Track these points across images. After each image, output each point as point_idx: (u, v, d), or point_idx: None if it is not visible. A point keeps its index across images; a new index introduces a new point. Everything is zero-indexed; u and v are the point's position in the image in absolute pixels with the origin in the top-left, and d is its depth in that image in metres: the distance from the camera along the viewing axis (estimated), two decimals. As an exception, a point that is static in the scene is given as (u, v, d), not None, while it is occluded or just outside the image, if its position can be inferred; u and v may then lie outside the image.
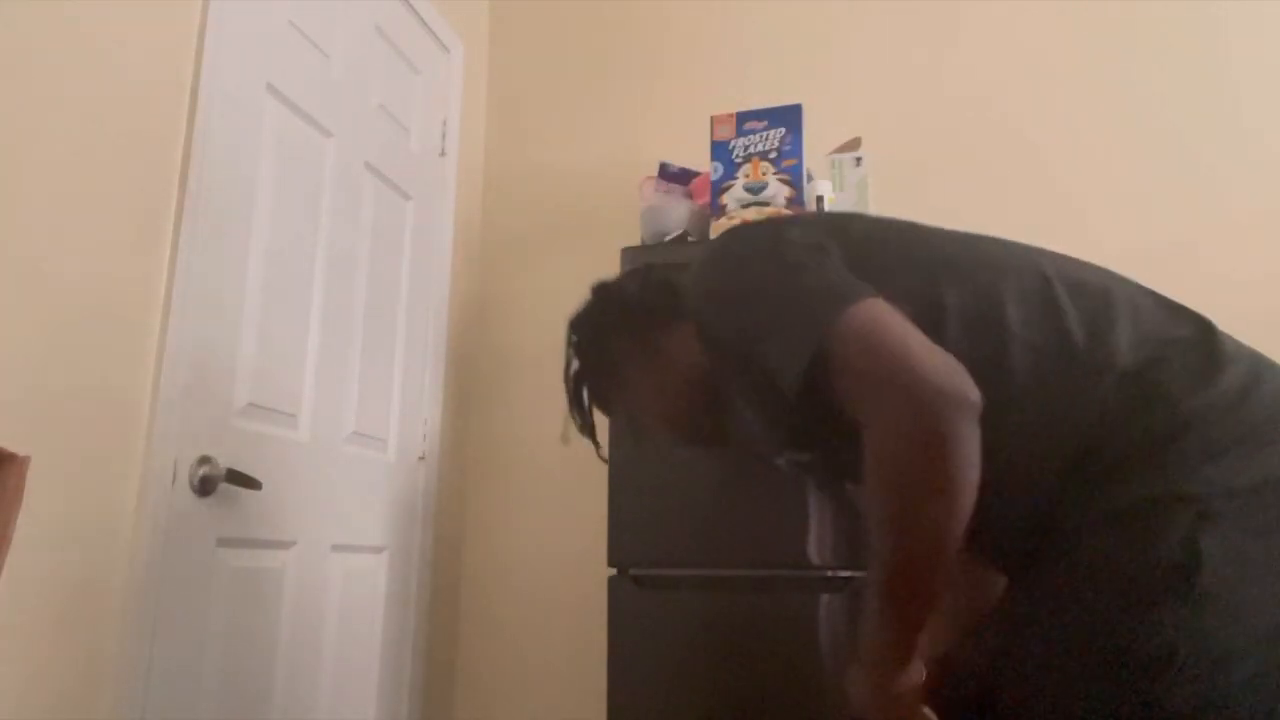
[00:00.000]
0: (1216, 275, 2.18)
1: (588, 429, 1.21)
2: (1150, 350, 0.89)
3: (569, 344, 1.20)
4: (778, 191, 2.09)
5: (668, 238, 2.24)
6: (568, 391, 1.20)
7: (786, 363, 0.86)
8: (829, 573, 1.86)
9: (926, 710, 0.92)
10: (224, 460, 1.65)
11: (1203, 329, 0.93)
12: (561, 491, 2.52)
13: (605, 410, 1.22)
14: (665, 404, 1.15)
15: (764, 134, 2.12)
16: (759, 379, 0.93)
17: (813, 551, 1.87)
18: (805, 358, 0.84)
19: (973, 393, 0.80)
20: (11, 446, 1.00)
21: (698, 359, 1.07)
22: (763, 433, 1.08)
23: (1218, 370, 0.87)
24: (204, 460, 1.62)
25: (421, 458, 2.36)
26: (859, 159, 2.19)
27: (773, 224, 1.09)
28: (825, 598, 1.85)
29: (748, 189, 2.10)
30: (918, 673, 0.90)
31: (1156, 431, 0.84)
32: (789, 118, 2.11)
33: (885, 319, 0.83)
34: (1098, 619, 0.81)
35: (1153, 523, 0.81)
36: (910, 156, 2.39)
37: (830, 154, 2.22)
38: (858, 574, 1.83)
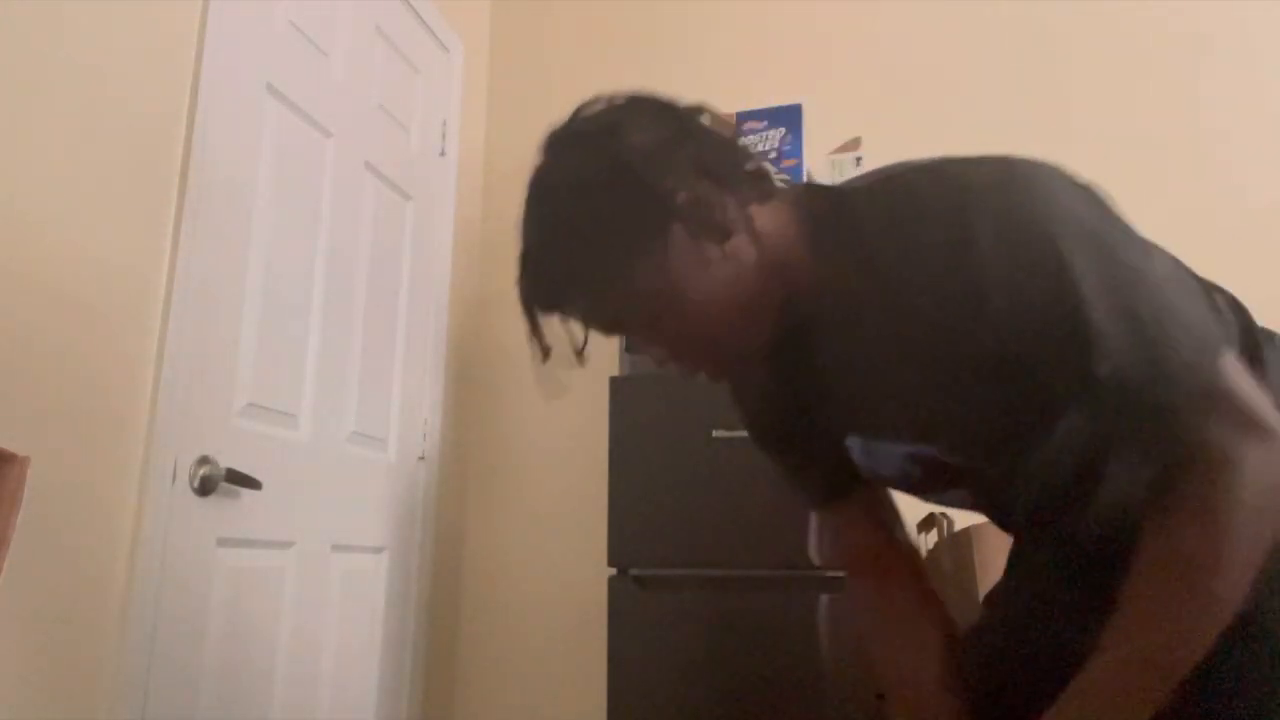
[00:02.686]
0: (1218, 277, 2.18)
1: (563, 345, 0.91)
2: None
3: (539, 222, 0.85)
4: (778, 191, 2.09)
5: (668, 238, 2.23)
6: (541, 293, 0.85)
7: (1174, 371, 0.75)
8: (829, 573, 1.86)
9: None
10: (224, 460, 1.65)
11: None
12: (561, 491, 2.52)
13: (607, 332, 0.89)
14: (712, 327, 0.85)
15: (764, 134, 2.12)
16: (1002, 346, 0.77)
17: (813, 551, 1.87)
18: (1198, 382, 0.75)
19: None
20: (11, 446, 1.00)
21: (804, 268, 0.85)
22: (883, 408, 0.88)
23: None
24: (204, 460, 1.62)
25: (421, 458, 2.36)
26: (859, 159, 2.20)
27: (1076, 191, 0.81)
28: (825, 598, 1.85)
29: (748, 189, 2.10)
30: None
31: None
32: (789, 118, 2.11)
33: (1243, 369, 0.79)
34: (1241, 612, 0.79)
35: None
36: (910, 156, 2.39)
37: (830, 154, 2.23)
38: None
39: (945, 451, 0.88)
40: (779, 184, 0.89)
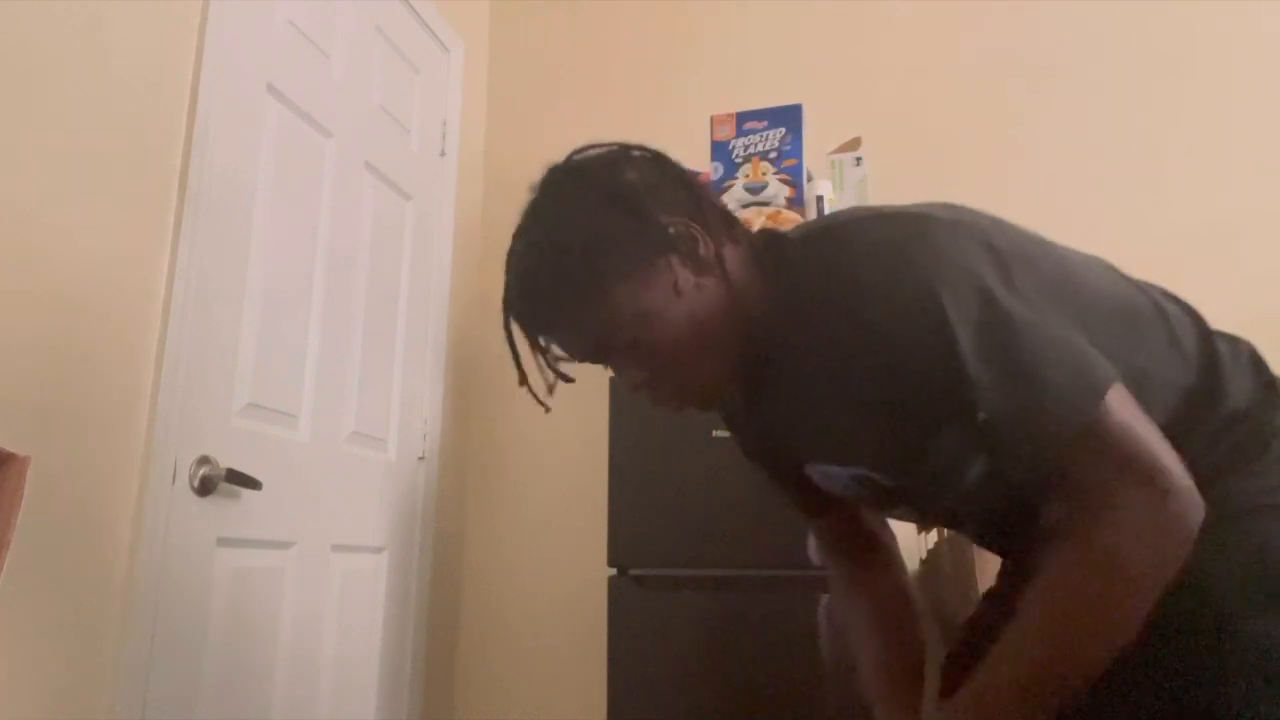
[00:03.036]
0: (1216, 273, 2.19)
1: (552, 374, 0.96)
2: (1235, 378, 0.94)
3: (531, 249, 0.92)
4: (778, 191, 2.09)
5: (668, 238, 2.23)
6: (526, 322, 0.93)
7: (1046, 416, 0.79)
8: (829, 573, 1.85)
9: None
10: (224, 460, 1.65)
11: (1241, 345, 0.99)
12: (561, 491, 2.52)
13: (589, 358, 0.95)
14: (692, 359, 0.92)
15: (764, 134, 2.12)
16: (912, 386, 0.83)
17: (813, 551, 1.87)
18: (1071, 426, 0.78)
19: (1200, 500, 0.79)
20: (11, 446, 1.00)
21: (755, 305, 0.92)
22: (835, 437, 0.95)
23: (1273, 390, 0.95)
24: (204, 460, 1.62)
25: (421, 458, 2.36)
26: (859, 159, 2.19)
27: (944, 230, 0.86)
28: (825, 598, 1.85)
29: (748, 189, 2.11)
30: None
31: (1243, 448, 0.89)
32: (789, 118, 2.11)
33: (1135, 409, 0.81)
34: (1214, 619, 0.82)
35: (1257, 528, 0.85)
36: (910, 156, 2.39)
37: (830, 154, 2.22)
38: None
39: (876, 474, 0.95)
40: (743, 229, 0.98)
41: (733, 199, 2.10)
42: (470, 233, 2.71)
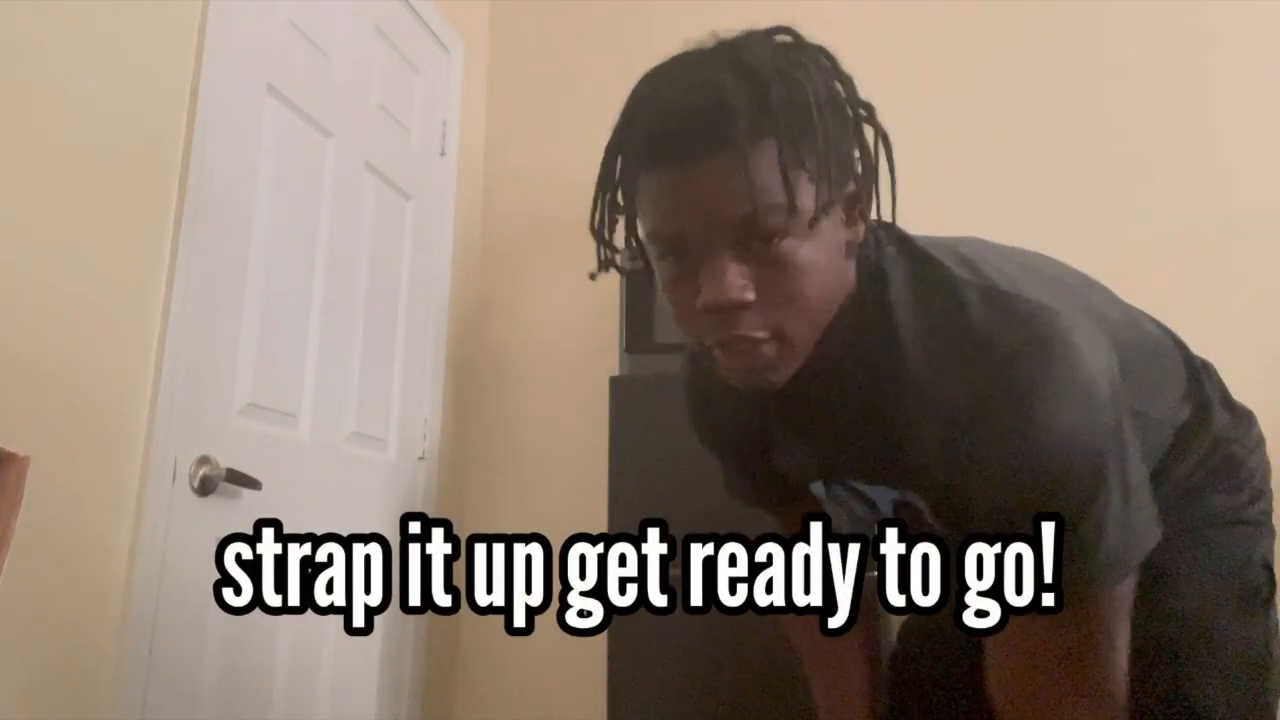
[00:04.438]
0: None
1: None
2: (1215, 405, 1.02)
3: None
4: (778, 191, 2.08)
5: (668, 238, 2.23)
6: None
7: (1108, 554, 0.76)
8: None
9: None
10: (224, 460, 1.65)
11: (1211, 374, 1.06)
12: (561, 491, 2.51)
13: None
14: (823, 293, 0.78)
15: (764, 134, 2.11)
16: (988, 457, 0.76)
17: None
18: (1122, 570, 0.77)
19: None
20: (11, 446, 1.00)
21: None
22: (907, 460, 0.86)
23: (1244, 417, 1.05)
24: (204, 460, 1.62)
25: (421, 458, 2.36)
26: (859, 159, 2.19)
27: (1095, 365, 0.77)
28: (825, 598, 1.85)
29: (748, 189, 2.10)
30: None
31: (1222, 467, 0.99)
32: (789, 118, 2.11)
33: (1129, 597, 0.80)
34: (1197, 620, 0.90)
35: (1232, 540, 0.96)
36: (910, 156, 2.37)
37: (830, 154, 2.22)
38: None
39: (922, 504, 0.89)
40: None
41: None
42: (470, 233, 2.71)
